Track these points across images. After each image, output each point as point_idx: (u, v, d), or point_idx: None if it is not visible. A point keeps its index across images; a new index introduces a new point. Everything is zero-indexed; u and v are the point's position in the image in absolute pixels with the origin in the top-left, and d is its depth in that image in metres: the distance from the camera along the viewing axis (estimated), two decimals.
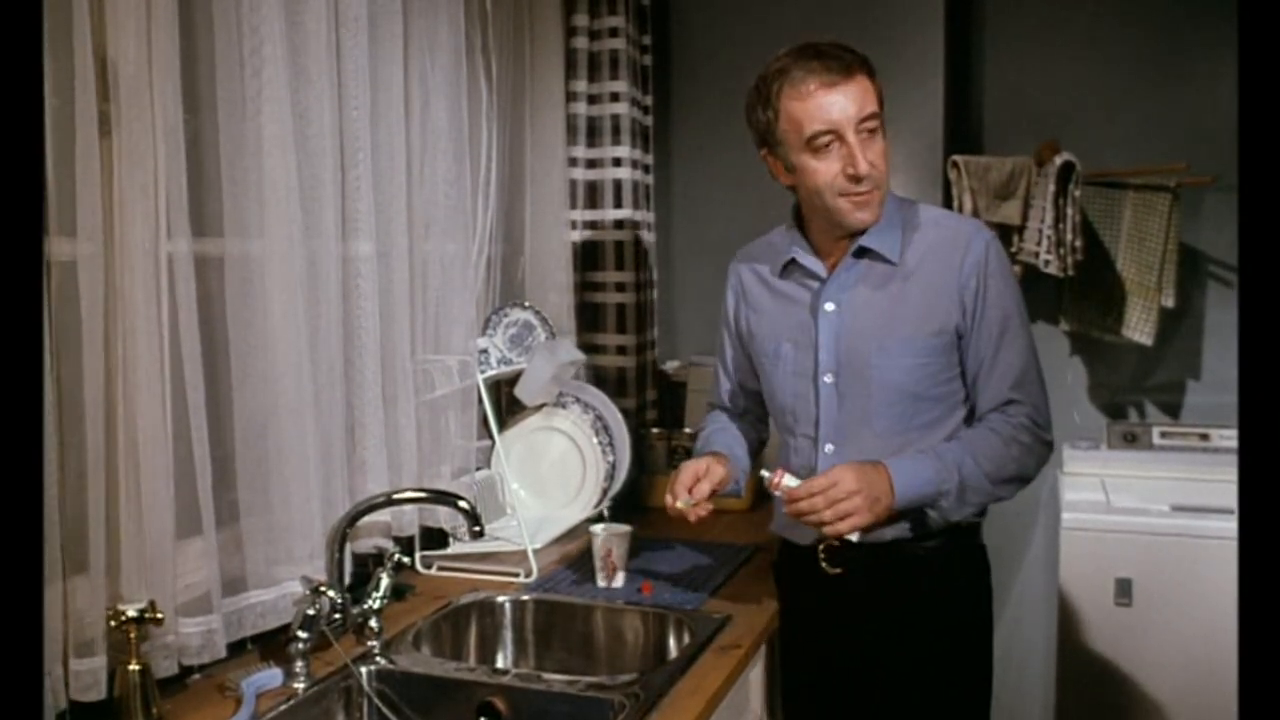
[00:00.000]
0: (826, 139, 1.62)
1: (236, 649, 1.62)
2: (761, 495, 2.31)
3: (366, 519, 1.73)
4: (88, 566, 1.34)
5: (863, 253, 1.71)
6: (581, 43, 2.53)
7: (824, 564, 1.73)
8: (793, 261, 1.76)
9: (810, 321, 1.74)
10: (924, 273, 1.69)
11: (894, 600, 1.71)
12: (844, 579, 1.73)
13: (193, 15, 1.53)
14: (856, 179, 1.62)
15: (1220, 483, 2.49)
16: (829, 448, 1.73)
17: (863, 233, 1.69)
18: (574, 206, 2.57)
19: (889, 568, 1.70)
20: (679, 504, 1.73)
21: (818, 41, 1.67)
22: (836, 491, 1.58)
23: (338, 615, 1.59)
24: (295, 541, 1.66)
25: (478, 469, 2.16)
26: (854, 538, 1.63)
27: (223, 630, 1.51)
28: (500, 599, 1.93)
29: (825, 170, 1.64)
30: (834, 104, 1.62)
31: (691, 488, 1.73)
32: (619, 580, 1.95)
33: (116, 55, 1.35)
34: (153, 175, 1.40)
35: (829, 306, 1.72)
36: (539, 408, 2.32)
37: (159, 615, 1.36)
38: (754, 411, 1.96)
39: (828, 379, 1.72)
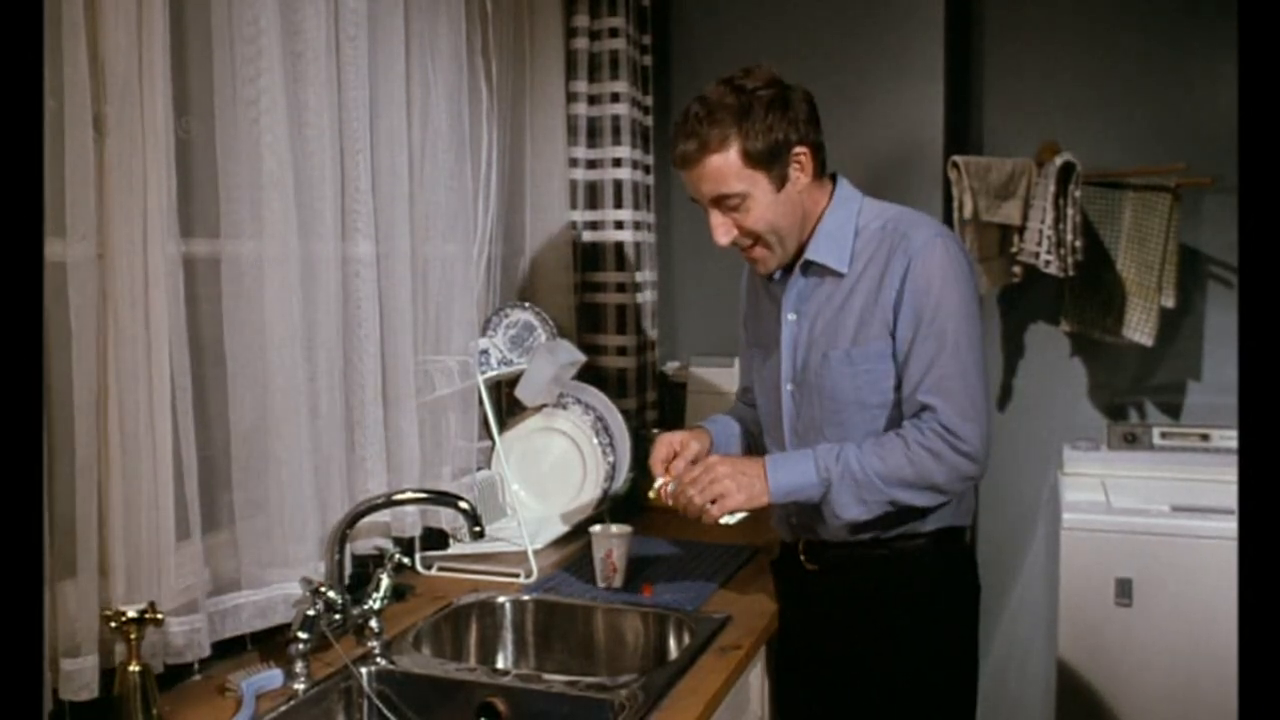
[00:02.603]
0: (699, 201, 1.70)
1: (237, 649, 1.62)
2: None
3: (367, 520, 1.73)
4: (78, 568, 1.33)
5: (809, 266, 1.73)
6: (582, 43, 2.53)
7: (803, 558, 1.78)
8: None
9: (777, 330, 1.78)
10: (864, 280, 1.69)
11: (873, 598, 1.72)
12: (825, 576, 1.75)
13: (190, 16, 1.53)
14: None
15: (1220, 483, 2.49)
16: None
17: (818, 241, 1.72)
18: (574, 207, 2.56)
19: (870, 565, 1.71)
20: (650, 495, 1.80)
21: (692, 108, 1.66)
22: (706, 477, 1.67)
23: (338, 616, 1.59)
24: (289, 543, 1.65)
25: (478, 470, 2.17)
26: (730, 520, 1.70)
27: (207, 630, 1.50)
28: (500, 600, 1.93)
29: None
30: (688, 181, 1.69)
31: (668, 466, 1.80)
32: (619, 581, 1.95)
33: (110, 56, 1.35)
34: (145, 177, 1.40)
35: (790, 317, 1.76)
36: (539, 409, 2.32)
37: (159, 616, 1.36)
38: None
39: (789, 387, 1.77)
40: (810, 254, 1.71)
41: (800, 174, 1.67)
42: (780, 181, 1.65)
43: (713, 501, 1.67)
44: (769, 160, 1.63)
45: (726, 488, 1.66)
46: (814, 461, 1.65)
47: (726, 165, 1.63)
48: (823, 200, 1.73)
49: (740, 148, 1.62)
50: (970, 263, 1.70)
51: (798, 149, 1.66)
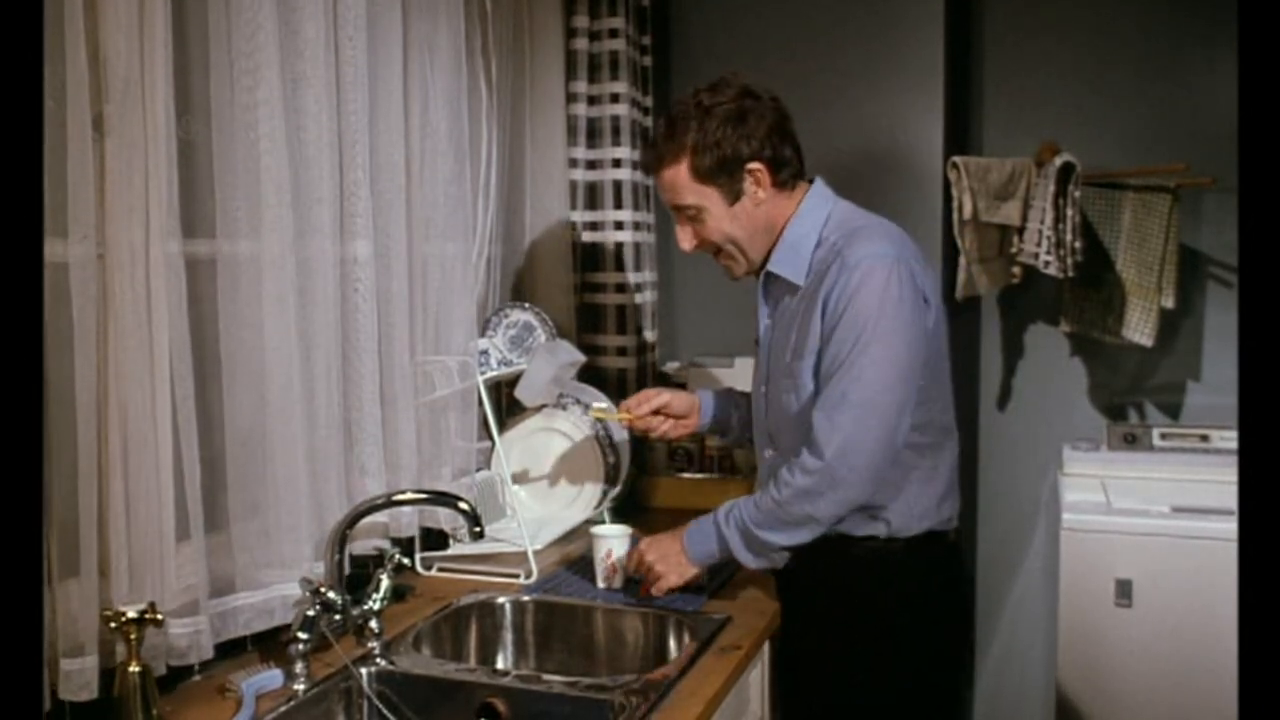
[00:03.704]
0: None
1: (237, 650, 1.62)
2: None
3: (366, 520, 1.73)
4: (79, 568, 1.33)
5: (770, 276, 1.75)
6: (581, 44, 2.53)
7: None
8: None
9: (757, 334, 1.83)
10: (810, 295, 1.69)
11: (865, 597, 1.74)
12: (819, 573, 1.76)
13: (188, 16, 1.53)
14: None
15: (1220, 484, 2.49)
16: (768, 453, 1.82)
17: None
18: (574, 207, 2.56)
19: (860, 563, 1.73)
20: (598, 415, 2.08)
21: (660, 119, 1.74)
22: (641, 568, 1.82)
23: (338, 616, 1.59)
24: (285, 544, 1.65)
25: (478, 470, 2.16)
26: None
27: (209, 632, 1.50)
28: (500, 600, 1.93)
29: None
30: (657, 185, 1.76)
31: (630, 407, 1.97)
32: (619, 581, 1.94)
33: (110, 56, 1.35)
34: (146, 177, 1.40)
35: (766, 322, 1.80)
36: (539, 409, 2.32)
37: (159, 617, 1.36)
38: None
39: (761, 389, 1.81)
40: (771, 265, 1.74)
41: (756, 188, 1.69)
42: (734, 196, 1.69)
43: (654, 584, 1.81)
44: (717, 175, 1.67)
45: (659, 571, 1.79)
46: (714, 529, 1.74)
47: (678, 179, 1.69)
48: (789, 210, 1.73)
49: (690, 163, 1.67)
50: (915, 288, 1.63)
51: (751, 165, 1.67)
